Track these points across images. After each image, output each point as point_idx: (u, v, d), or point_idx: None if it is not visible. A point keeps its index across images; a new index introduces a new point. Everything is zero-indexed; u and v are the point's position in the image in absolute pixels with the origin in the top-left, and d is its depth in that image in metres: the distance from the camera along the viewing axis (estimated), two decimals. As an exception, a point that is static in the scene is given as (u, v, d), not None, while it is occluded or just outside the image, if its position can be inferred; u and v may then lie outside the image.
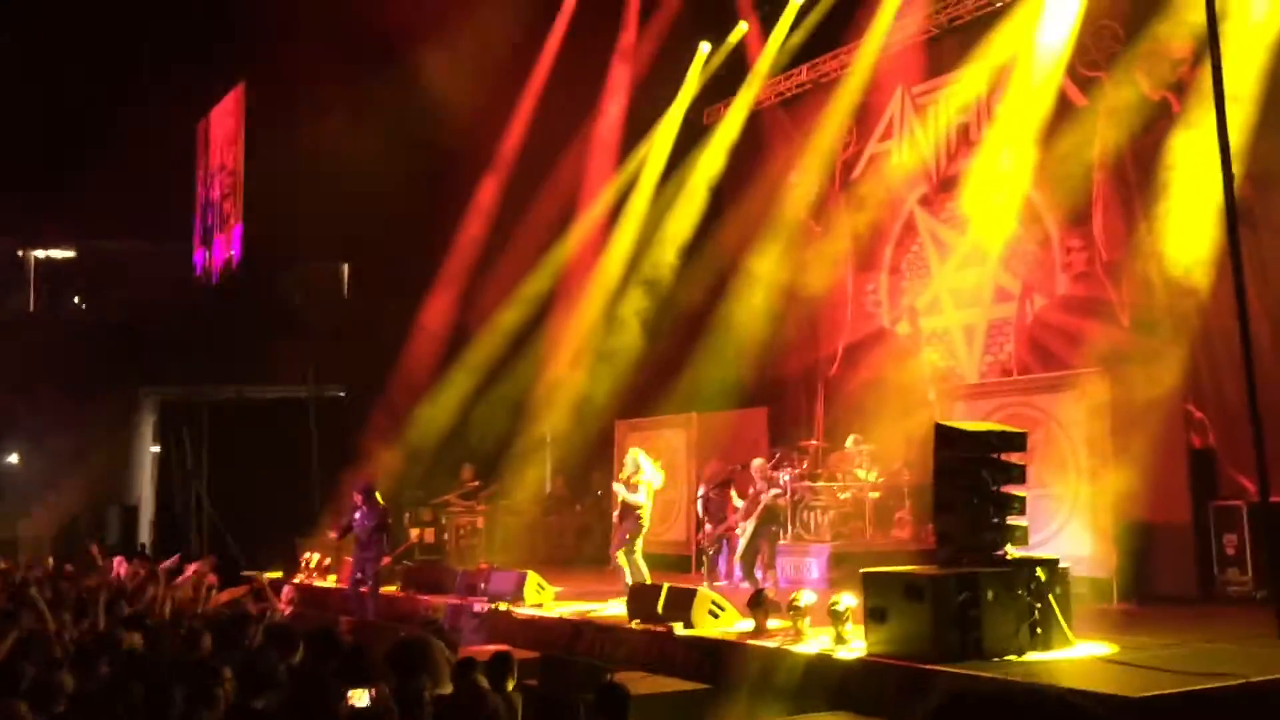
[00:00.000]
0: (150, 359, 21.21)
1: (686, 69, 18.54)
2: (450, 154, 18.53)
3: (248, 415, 21.02)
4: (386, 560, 13.81)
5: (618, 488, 12.26)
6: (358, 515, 13.46)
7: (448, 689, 5.77)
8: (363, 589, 13.44)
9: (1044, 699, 1.39)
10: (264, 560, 16.89)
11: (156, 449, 22.61)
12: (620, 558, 11.96)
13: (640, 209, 18.58)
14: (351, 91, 17.58)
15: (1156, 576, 10.74)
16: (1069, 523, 11.04)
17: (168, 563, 13.30)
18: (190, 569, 13.58)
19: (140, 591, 12.55)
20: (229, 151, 23.94)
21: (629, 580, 11.64)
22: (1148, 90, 12.63)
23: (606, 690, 5.67)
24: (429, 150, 18.25)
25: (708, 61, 18.47)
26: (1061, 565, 8.18)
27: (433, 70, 17.22)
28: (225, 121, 24.19)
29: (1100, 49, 13.27)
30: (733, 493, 12.98)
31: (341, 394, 21.58)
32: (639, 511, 11.92)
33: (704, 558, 13.76)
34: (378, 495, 13.62)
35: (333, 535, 14.67)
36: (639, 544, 11.96)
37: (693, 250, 17.96)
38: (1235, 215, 8.57)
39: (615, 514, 12.52)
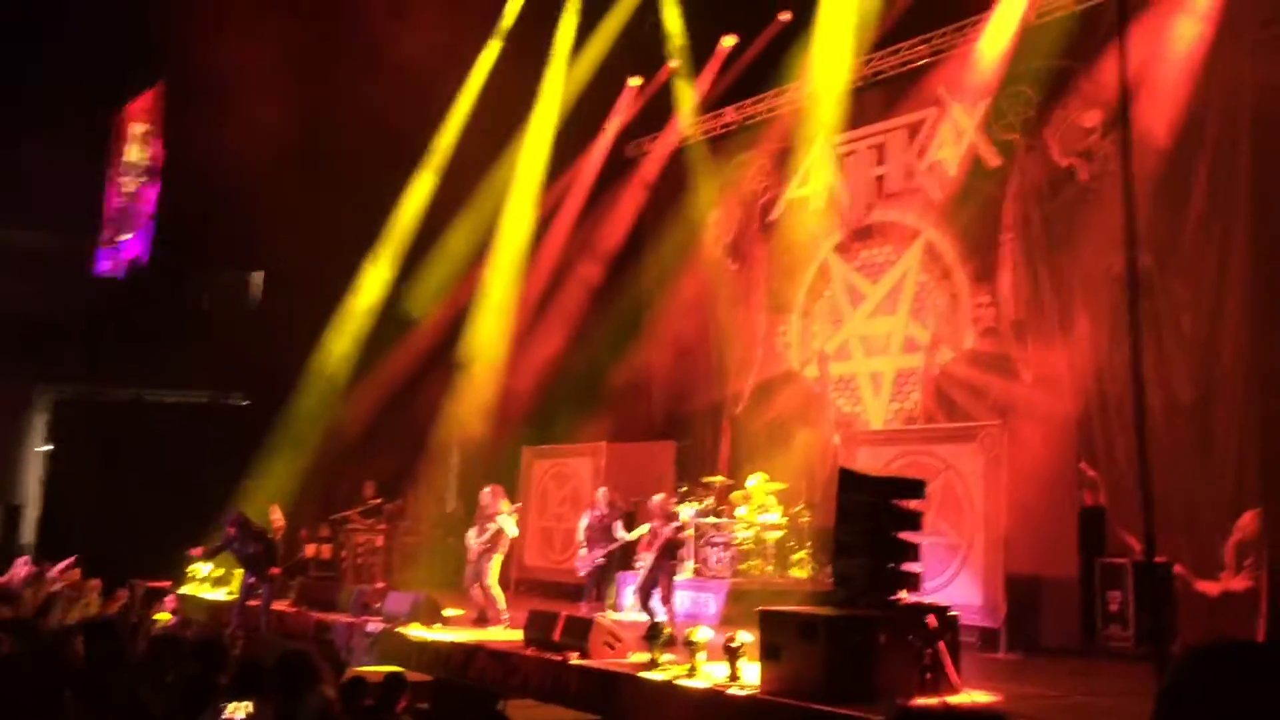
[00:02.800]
0: (46, 354, 20.54)
1: (614, 102, 18.67)
2: (374, 163, 18.34)
3: (145, 419, 20.46)
4: (276, 571, 13.71)
5: (470, 540, 12.76)
6: (235, 544, 13.66)
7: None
8: (251, 602, 13.37)
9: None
10: (152, 568, 16.43)
11: (47, 448, 21.89)
12: (494, 588, 12.41)
13: (561, 233, 18.60)
14: (274, 96, 17.33)
15: (1043, 628, 11.02)
16: (961, 571, 11.28)
17: (60, 566, 12.99)
18: (59, 568, 13.26)
19: (18, 593, 12.16)
20: (143, 150, 23.44)
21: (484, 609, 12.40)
22: (1057, 156, 13.07)
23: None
24: (351, 159, 18.06)
25: (637, 96, 18.62)
26: (952, 613, 8.34)
27: (358, 77, 17.07)
28: (141, 118, 23.69)
29: (1015, 113, 13.69)
30: (619, 525, 12.99)
31: (245, 403, 21.13)
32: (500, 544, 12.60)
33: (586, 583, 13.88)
34: (250, 520, 13.86)
35: (195, 553, 14.70)
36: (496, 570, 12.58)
37: (611, 279, 18.03)
38: (1136, 284, 8.87)
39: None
